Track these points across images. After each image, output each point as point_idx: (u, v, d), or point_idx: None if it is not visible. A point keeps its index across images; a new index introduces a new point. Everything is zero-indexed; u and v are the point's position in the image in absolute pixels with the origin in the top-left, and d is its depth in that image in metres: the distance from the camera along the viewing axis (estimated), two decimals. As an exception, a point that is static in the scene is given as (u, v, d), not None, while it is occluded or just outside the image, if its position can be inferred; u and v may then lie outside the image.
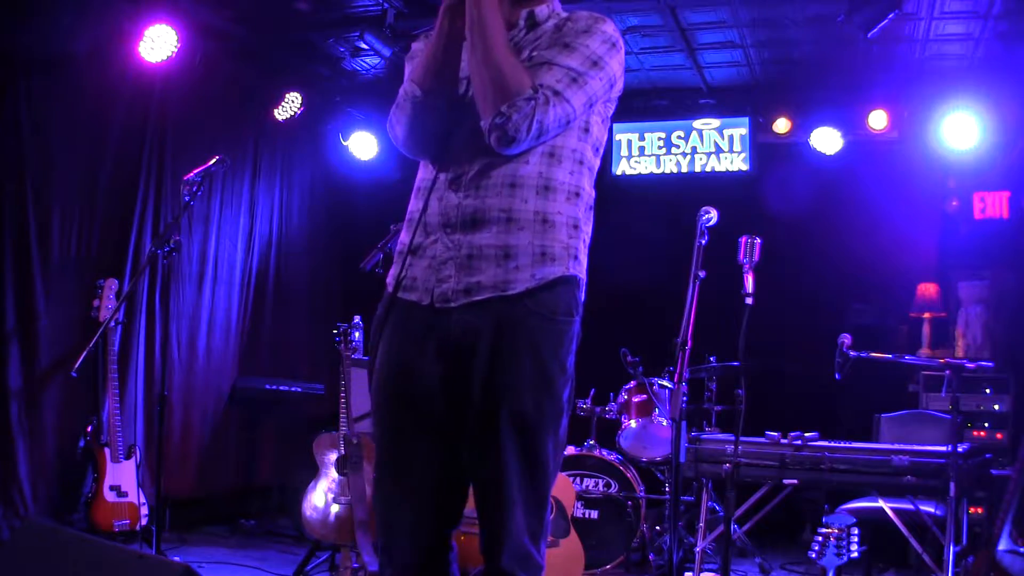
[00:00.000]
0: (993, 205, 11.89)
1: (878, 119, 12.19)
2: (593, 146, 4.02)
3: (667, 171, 13.39)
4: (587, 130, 3.95)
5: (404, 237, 3.96)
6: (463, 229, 3.77)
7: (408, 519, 3.86)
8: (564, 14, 4.03)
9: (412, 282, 3.88)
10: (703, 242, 6.84)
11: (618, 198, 13.32)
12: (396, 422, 3.90)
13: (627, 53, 12.24)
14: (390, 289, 3.97)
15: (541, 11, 3.99)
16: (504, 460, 3.68)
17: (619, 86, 4.03)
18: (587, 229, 3.99)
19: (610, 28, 3.92)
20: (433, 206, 3.86)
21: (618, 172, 13.62)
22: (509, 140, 3.63)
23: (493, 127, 3.62)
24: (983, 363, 7.97)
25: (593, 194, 4.06)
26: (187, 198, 7.82)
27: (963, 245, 12.10)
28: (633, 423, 9.78)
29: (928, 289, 11.79)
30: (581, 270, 3.91)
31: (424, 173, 4.02)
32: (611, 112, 4.13)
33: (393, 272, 3.99)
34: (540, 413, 3.72)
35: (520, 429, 3.69)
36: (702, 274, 6.72)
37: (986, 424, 10.75)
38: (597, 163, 4.10)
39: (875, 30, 9.64)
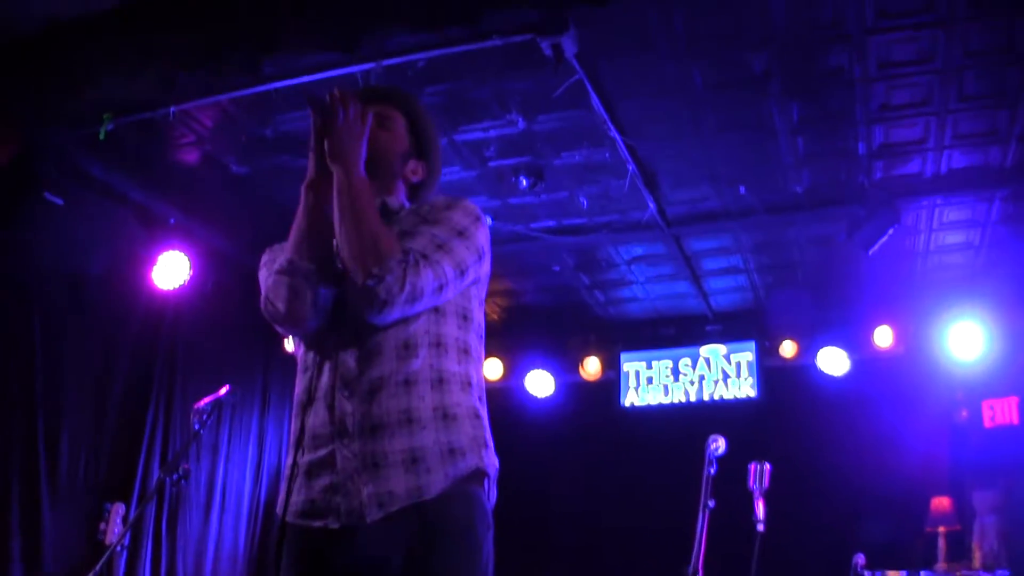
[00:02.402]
0: (1003, 412, 11.85)
1: (883, 336, 12.33)
2: (476, 334, 3.85)
3: (675, 400, 13.46)
4: (466, 318, 3.79)
5: (292, 457, 3.61)
6: (362, 437, 3.48)
7: None
8: (416, 206, 3.95)
9: (309, 506, 3.53)
10: (712, 471, 6.90)
11: (627, 429, 13.41)
12: None
13: (633, 283, 12.47)
14: (280, 514, 3.60)
15: (392, 201, 3.90)
16: None
17: (487, 264, 3.85)
18: (487, 420, 3.75)
19: (470, 204, 3.82)
20: (322, 416, 3.55)
21: (627, 403, 13.68)
22: (381, 304, 3.40)
23: (365, 291, 3.40)
24: (1000, 572, 7.90)
25: (484, 384, 3.87)
26: (197, 426, 7.75)
27: (975, 455, 12.03)
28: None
29: (942, 503, 11.63)
30: (493, 459, 3.70)
31: (305, 382, 3.69)
32: (484, 295, 3.97)
33: (282, 496, 3.63)
34: None
35: None
36: (711, 503, 6.75)
37: (1006, 634, 10.50)
38: (483, 352, 3.92)
39: (876, 247, 9.78)
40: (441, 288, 3.55)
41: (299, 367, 3.79)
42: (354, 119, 3.62)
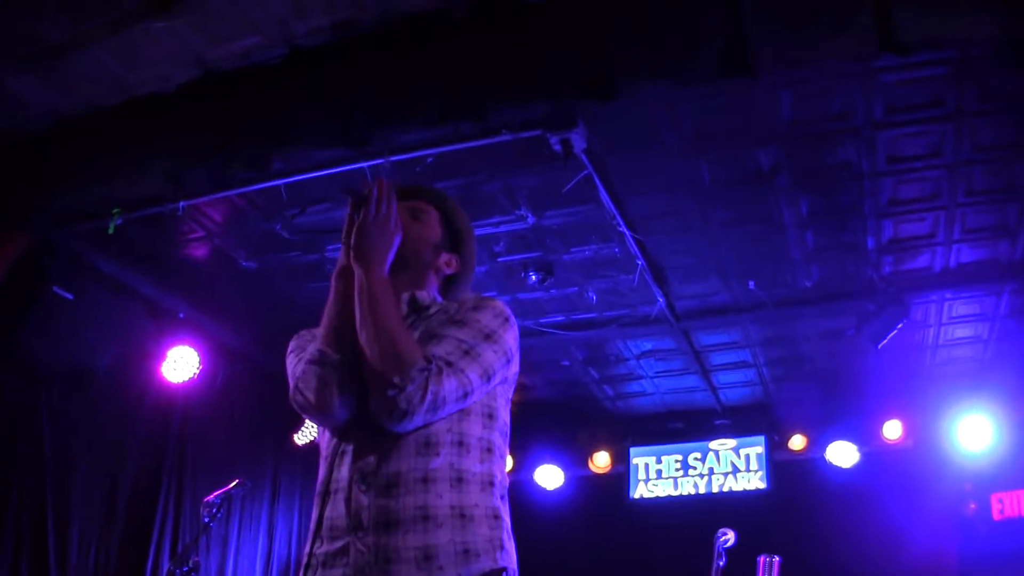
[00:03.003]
0: (1011, 505, 11.79)
1: (893, 429, 12.32)
2: (501, 432, 3.72)
3: (685, 493, 13.42)
4: (491, 416, 3.66)
5: (310, 546, 3.50)
6: (376, 531, 3.35)
7: None
8: (447, 302, 3.84)
9: None
10: (722, 564, 6.86)
11: (636, 522, 13.35)
12: None
13: (642, 377, 12.46)
14: None
15: (423, 296, 3.76)
16: None
17: (516, 365, 3.74)
18: (507, 519, 3.64)
19: (500, 305, 3.69)
20: (340, 508, 3.45)
21: (636, 496, 13.62)
22: (402, 414, 3.29)
23: (385, 400, 3.29)
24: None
25: (507, 482, 3.74)
26: (206, 519, 7.74)
27: (984, 547, 11.93)
28: None
29: (952, 595, 11.56)
30: (510, 560, 3.55)
31: (325, 473, 3.58)
32: (511, 395, 3.84)
33: None
34: None
35: None
36: (722, 597, 6.72)
37: None
38: (507, 450, 3.79)
39: (885, 340, 9.77)
40: (466, 396, 3.45)
41: (321, 455, 3.69)
42: (385, 216, 3.53)
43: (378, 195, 3.48)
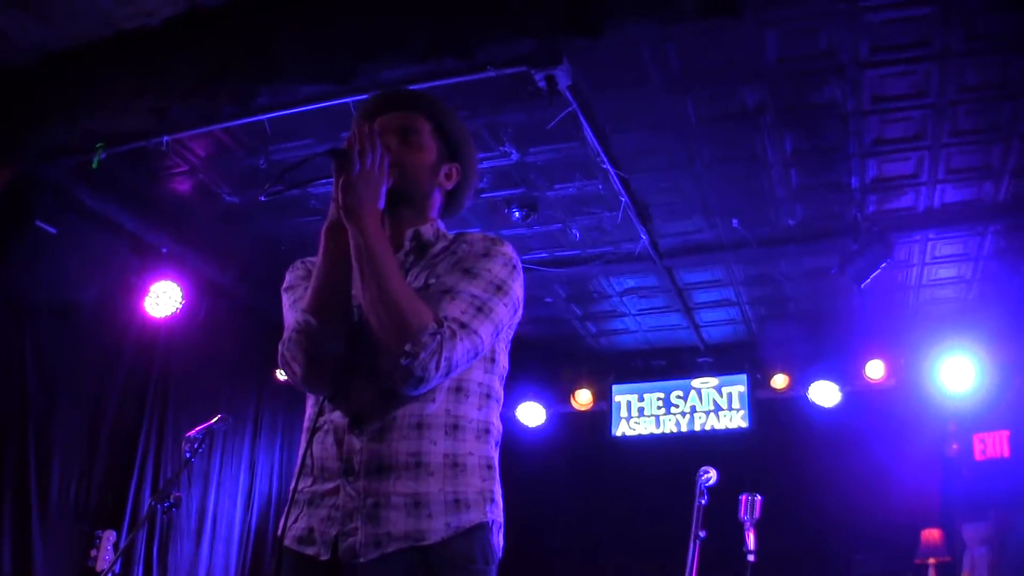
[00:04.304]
0: (993, 445, 11.83)
1: (875, 369, 12.37)
2: (500, 377, 3.71)
3: (667, 431, 13.48)
4: (493, 360, 3.65)
5: (297, 483, 3.55)
6: (368, 476, 3.36)
7: None
8: (451, 234, 3.78)
9: (307, 533, 3.45)
10: (703, 502, 6.91)
11: (618, 460, 13.42)
12: None
13: (625, 315, 12.48)
14: (279, 535, 3.55)
15: (426, 231, 3.72)
16: None
17: (521, 312, 3.70)
18: (498, 465, 3.64)
19: (509, 250, 3.65)
20: (331, 450, 3.44)
21: (618, 433, 13.70)
22: (417, 381, 3.24)
23: (399, 368, 3.22)
24: (991, 602, 7.88)
25: (501, 428, 3.73)
26: (188, 455, 7.75)
27: (965, 488, 12.01)
28: None
29: (932, 535, 11.62)
30: (499, 513, 3.56)
31: (314, 410, 3.57)
32: (511, 337, 3.80)
33: (283, 520, 3.57)
34: None
35: None
36: (702, 534, 6.78)
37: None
38: (503, 394, 3.77)
39: (868, 280, 9.78)
40: (476, 354, 3.42)
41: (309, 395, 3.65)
42: (370, 168, 3.35)
43: (361, 146, 3.32)
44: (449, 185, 3.83)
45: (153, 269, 10.32)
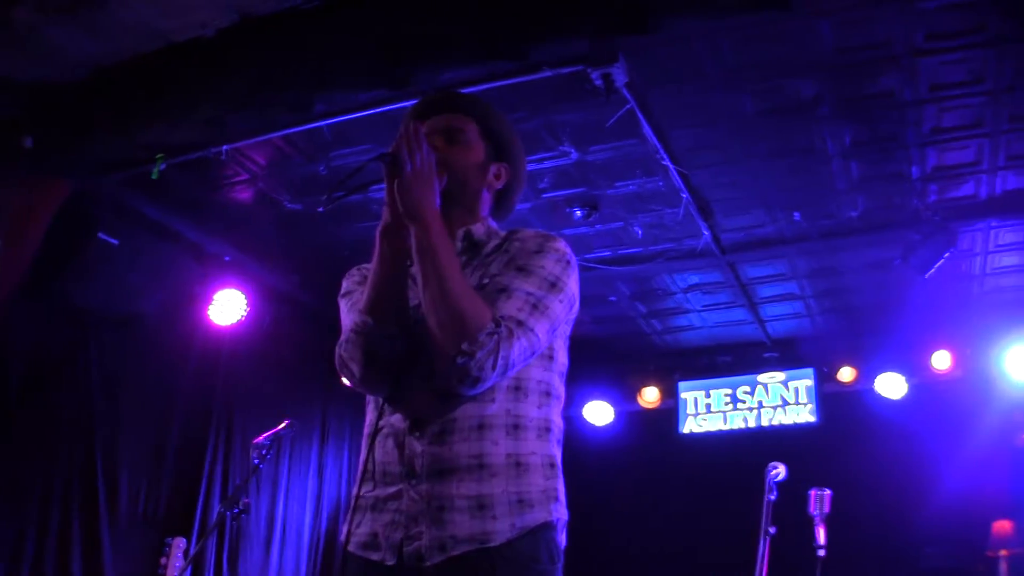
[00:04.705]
0: (1063, 434, 11.70)
1: (941, 360, 12.29)
2: (560, 374, 3.67)
3: (734, 427, 13.48)
4: (552, 358, 3.61)
5: (359, 488, 3.52)
6: (430, 479, 3.33)
7: None
8: (502, 232, 3.77)
9: (371, 539, 3.41)
10: (772, 497, 6.87)
11: (686, 457, 13.39)
12: None
13: (689, 311, 12.46)
14: (343, 541, 3.55)
15: (478, 229, 3.72)
16: None
17: (577, 308, 3.65)
18: (560, 464, 3.59)
19: (562, 245, 3.61)
20: (392, 454, 3.43)
21: (685, 431, 13.71)
22: (474, 380, 3.23)
23: (455, 368, 3.20)
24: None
25: (563, 426, 3.71)
26: (256, 461, 7.77)
27: (1035, 477, 11.85)
28: None
29: (1003, 526, 11.50)
30: (563, 511, 3.53)
31: (374, 414, 3.57)
32: (569, 333, 3.75)
33: (347, 526, 3.55)
34: None
35: None
36: (772, 530, 6.72)
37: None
38: (564, 390, 3.73)
39: (932, 270, 9.71)
40: (533, 352, 3.40)
41: (369, 397, 3.67)
42: (421, 165, 3.34)
43: (408, 146, 3.31)
44: (499, 185, 3.81)
45: (216, 278, 10.41)
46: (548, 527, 3.41)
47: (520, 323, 3.31)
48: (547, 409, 3.56)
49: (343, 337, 3.54)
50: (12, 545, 8.70)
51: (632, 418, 14.53)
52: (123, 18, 7.18)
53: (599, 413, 14.24)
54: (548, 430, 3.55)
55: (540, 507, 3.40)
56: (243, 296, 10.45)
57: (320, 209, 9.62)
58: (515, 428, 3.43)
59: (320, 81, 7.36)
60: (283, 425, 7.81)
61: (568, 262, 3.57)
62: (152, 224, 9.64)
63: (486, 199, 3.82)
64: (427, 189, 3.35)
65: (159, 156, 8.39)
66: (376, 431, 3.51)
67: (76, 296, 9.22)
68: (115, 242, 8.99)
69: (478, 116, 3.80)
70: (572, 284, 3.57)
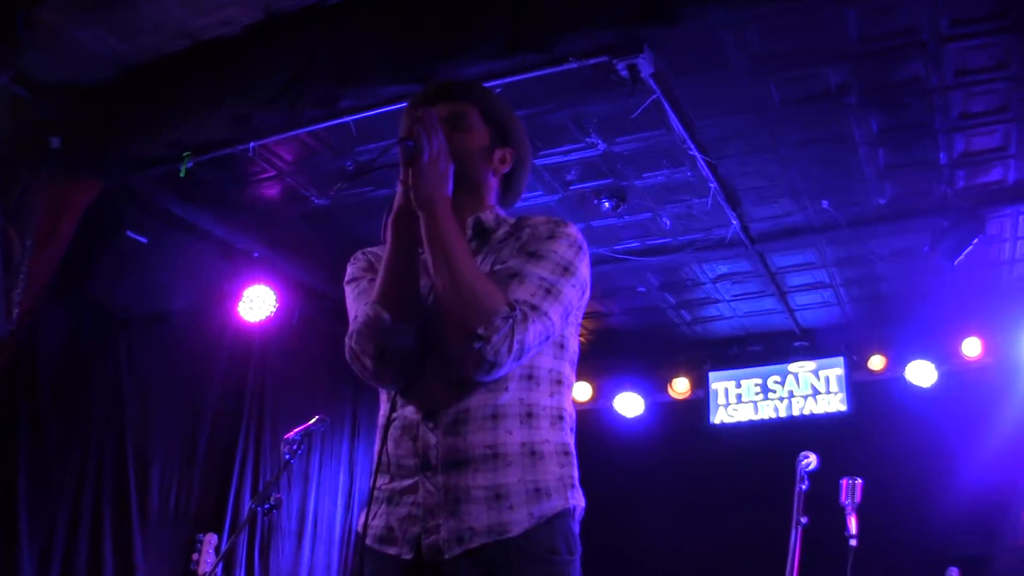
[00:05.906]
0: (1096, 420, 11.61)
1: (972, 347, 12.24)
2: (570, 362, 3.65)
3: (765, 417, 13.44)
4: (563, 346, 3.59)
5: (374, 480, 3.50)
6: (445, 470, 3.32)
7: None
8: (511, 219, 3.75)
9: (388, 532, 3.39)
10: (804, 487, 6.82)
11: (716, 448, 13.35)
12: None
13: (719, 301, 12.44)
14: (360, 532, 3.53)
15: (487, 217, 3.69)
16: None
17: (588, 293, 3.64)
18: (575, 451, 3.59)
19: (573, 231, 3.60)
20: (406, 446, 3.40)
21: (716, 421, 13.69)
22: (490, 366, 3.21)
23: (471, 353, 3.19)
24: (1096, 582, 7.76)
25: (574, 414, 3.69)
26: (287, 456, 7.76)
27: (1066, 464, 11.75)
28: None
29: (1035, 516, 11.46)
30: (580, 498, 3.52)
31: (387, 406, 3.54)
32: (580, 320, 3.75)
33: (363, 519, 3.51)
34: None
35: None
36: (804, 520, 6.68)
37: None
38: (575, 378, 3.74)
39: (961, 256, 9.69)
40: (548, 337, 3.39)
41: (382, 391, 3.65)
42: (438, 153, 3.33)
43: (427, 132, 3.29)
44: (504, 169, 3.81)
45: (245, 274, 10.46)
46: (566, 514, 3.41)
47: (534, 307, 3.30)
48: (559, 397, 3.55)
49: (353, 327, 3.51)
50: (44, 542, 8.75)
51: (663, 409, 14.47)
52: (149, 17, 7.21)
53: (630, 404, 14.19)
54: (561, 418, 3.54)
55: (557, 495, 3.40)
56: (272, 292, 10.50)
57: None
58: (528, 417, 3.42)
59: (345, 76, 7.36)
60: (314, 420, 7.80)
61: (580, 247, 3.57)
62: (180, 222, 9.69)
63: (493, 184, 3.83)
64: (441, 177, 3.36)
65: (186, 154, 8.41)
66: (389, 423, 3.49)
67: (106, 295, 9.27)
68: (144, 240, 9.05)
69: (478, 101, 3.81)
70: (584, 269, 3.57)
